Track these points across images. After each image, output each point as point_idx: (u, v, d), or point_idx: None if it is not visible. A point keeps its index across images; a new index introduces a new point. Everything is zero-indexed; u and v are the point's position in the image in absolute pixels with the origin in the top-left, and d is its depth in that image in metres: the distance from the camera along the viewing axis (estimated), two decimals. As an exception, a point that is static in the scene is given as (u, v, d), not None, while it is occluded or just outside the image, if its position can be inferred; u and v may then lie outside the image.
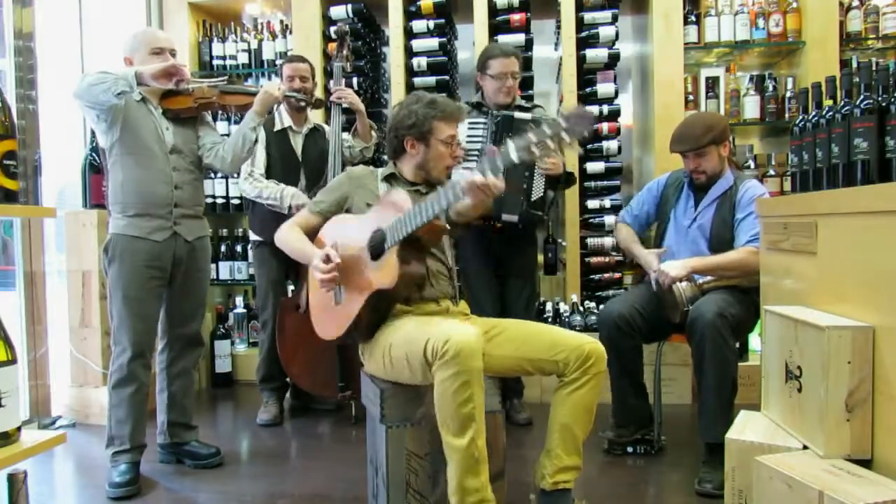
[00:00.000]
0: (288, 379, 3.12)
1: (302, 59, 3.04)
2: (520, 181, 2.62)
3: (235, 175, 3.25)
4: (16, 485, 1.35)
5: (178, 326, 2.46)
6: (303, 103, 2.95)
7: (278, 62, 3.66)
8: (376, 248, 1.85)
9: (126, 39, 2.37)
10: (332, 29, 3.14)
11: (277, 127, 3.03)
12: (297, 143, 3.05)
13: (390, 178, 2.07)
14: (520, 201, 2.64)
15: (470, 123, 2.71)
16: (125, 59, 2.33)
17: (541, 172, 2.63)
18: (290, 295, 3.22)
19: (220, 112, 3.06)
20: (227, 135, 2.98)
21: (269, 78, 3.80)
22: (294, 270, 3.12)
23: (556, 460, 1.84)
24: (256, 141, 2.48)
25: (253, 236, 3.13)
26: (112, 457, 2.31)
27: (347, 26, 3.17)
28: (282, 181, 2.95)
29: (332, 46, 3.09)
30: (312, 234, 2.05)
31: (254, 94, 2.46)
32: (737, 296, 2.29)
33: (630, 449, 2.52)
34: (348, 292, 1.90)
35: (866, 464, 1.43)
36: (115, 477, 2.26)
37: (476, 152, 2.67)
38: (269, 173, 2.97)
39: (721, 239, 2.44)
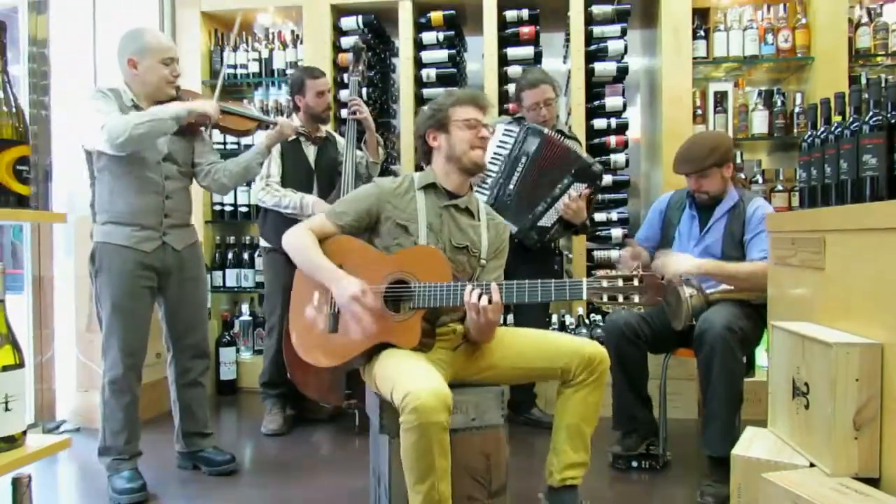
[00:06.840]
0: (290, 388, 3.04)
1: (323, 73, 3.06)
2: (537, 202, 2.65)
3: (246, 184, 3.25)
4: (20, 489, 1.35)
5: (182, 337, 2.44)
6: (306, 136, 2.87)
7: (289, 71, 3.67)
8: (397, 302, 1.82)
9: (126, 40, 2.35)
10: (350, 44, 3.13)
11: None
12: (310, 152, 3.03)
13: (429, 189, 1.97)
14: (527, 218, 2.65)
15: (505, 130, 2.77)
16: (128, 61, 2.31)
17: (559, 209, 2.66)
18: None
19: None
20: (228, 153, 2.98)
21: (280, 87, 3.83)
22: None
23: (563, 456, 1.87)
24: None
25: (264, 243, 3.10)
26: (112, 463, 2.26)
27: (364, 42, 3.17)
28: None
29: (344, 58, 3.08)
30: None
31: (252, 119, 2.45)
32: (744, 310, 2.27)
33: (635, 463, 2.49)
34: (350, 328, 1.82)
35: (874, 482, 1.41)
36: (123, 483, 2.21)
37: (501, 157, 2.71)
38: (282, 182, 2.95)
39: (731, 258, 2.42)
